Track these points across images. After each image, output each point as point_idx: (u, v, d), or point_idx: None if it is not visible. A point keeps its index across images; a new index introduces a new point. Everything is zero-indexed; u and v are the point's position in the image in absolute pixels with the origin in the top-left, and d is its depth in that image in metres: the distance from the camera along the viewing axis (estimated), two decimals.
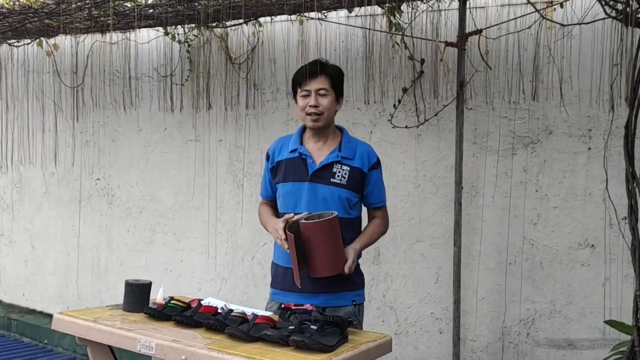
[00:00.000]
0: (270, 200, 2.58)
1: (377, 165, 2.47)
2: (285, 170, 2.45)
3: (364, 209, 2.56)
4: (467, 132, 3.03)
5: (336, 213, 2.25)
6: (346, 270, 2.28)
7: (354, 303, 2.42)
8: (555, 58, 2.83)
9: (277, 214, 2.52)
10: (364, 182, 2.43)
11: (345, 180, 2.38)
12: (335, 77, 2.44)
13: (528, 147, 2.97)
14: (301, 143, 2.46)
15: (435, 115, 3.12)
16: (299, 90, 2.43)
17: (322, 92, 2.39)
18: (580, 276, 2.87)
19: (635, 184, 2.12)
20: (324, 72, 2.40)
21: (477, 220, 3.09)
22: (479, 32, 2.84)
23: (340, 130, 2.53)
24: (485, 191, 3.07)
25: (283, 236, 2.25)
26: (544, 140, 2.93)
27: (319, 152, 2.44)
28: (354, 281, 2.44)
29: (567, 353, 2.89)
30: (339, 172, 2.39)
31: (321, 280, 2.33)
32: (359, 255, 2.47)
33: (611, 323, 2.42)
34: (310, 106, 2.38)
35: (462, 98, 2.89)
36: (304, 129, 2.52)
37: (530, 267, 2.97)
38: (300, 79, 2.42)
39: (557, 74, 2.83)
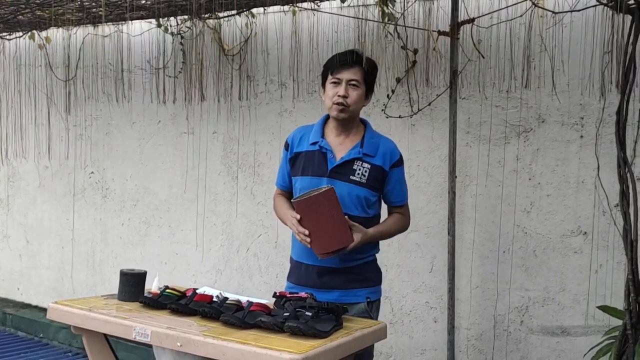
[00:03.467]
0: (286, 191, 2.49)
1: (399, 163, 2.39)
2: (304, 163, 2.37)
3: (383, 207, 2.46)
4: (461, 121, 3.04)
5: (330, 187, 2.17)
6: (349, 246, 2.20)
7: (368, 300, 2.36)
8: (547, 46, 2.84)
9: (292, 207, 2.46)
10: (385, 181, 2.35)
11: (365, 179, 2.30)
12: (369, 70, 2.34)
13: (521, 136, 2.98)
14: (322, 136, 2.38)
15: (429, 105, 3.12)
16: (329, 77, 2.33)
17: (353, 82, 2.29)
18: (572, 264, 2.89)
19: (626, 169, 2.14)
20: (358, 63, 2.31)
21: (470, 209, 3.10)
22: (471, 21, 2.85)
23: (364, 124, 2.43)
24: (478, 180, 3.08)
25: (301, 229, 2.20)
26: (536, 128, 2.95)
27: (340, 146, 2.36)
28: (368, 278, 2.38)
29: (560, 340, 2.91)
30: (360, 169, 2.31)
31: (335, 276, 2.30)
32: (377, 250, 2.43)
33: (604, 308, 2.44)
34: (339, 95, 2.29)
35: (455, 87, 2.90)
36: (325, 120, 2.43)
37: (524, 255, 2.99)
38: (333, 66, 2.33)
39: (549, 63, 2.84)
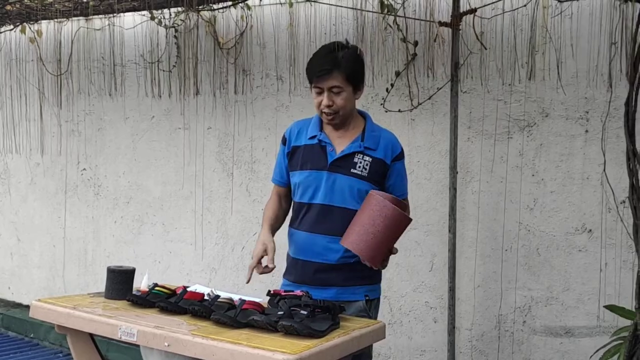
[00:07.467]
0: (284, 187, 2.41)
1: (400, 156, 2.32)
2: (303, 157, 2.30)
3: None
4: (462, 116, 2.96)
5: (411, 218, 2.19)
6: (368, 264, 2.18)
7: (367, 298, 2.29)
8: (552, 37, 2.75)
9: (285, 207, 2.42)
10: (386, 174, 2.29)
11: (366, 172, 2.24)
12: (350, 70, 2.20)
13: (524, 131, 2.89)
14: (321, 129, 2.31)
15: (429, 98, 3.04)
16: (312, 84, 2.25)
17: (335, 90, 2.19)
18: (577, 262, 2.80)
19: (636, 162, 2.05)
20: (336, 68, 2.18)
21: (472, 206, 3.01)
22: (473, 11, 2.77)
23: (364, 116, 2.35)
24: (480, 176, 2.99)
25: (253, 264, 2.25)
26: (540, 123, 2.86)
27: (339, 139, 2.29)
28: (367, 275, 2.30)
29: (564, 341, 2.82)
30: (360, 162, 2.25)
31: (333, 273, 2.24)
32: None
33: (611, 308, 2.35)
34: (324, 105, 2.21)
35: (457, 80, 2.81)
36: None
37: (527, 254, 2.90)
38: (311, 75, 2.23)
39: (553, 55, 2.76)
